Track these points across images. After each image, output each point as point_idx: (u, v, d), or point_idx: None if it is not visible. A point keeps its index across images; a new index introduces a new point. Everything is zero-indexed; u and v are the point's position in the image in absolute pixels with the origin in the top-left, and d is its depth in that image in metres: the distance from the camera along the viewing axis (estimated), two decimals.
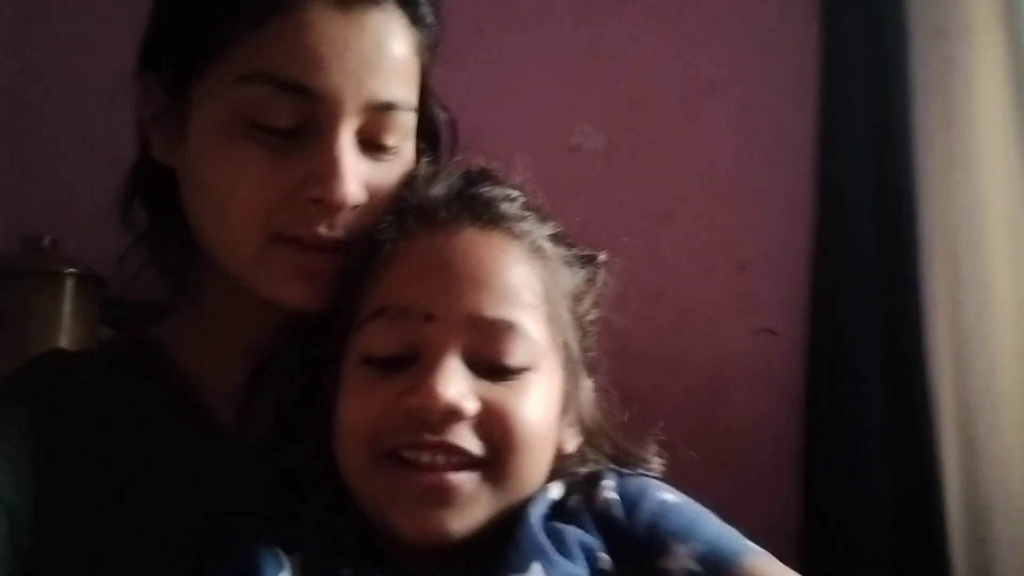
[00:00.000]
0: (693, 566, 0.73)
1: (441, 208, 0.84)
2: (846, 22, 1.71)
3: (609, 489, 0.80)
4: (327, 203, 0.84)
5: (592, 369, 0.91)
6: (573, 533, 0.76)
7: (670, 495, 0.80)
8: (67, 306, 1.56)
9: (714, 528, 0.77)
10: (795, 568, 0.76)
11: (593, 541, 0.76)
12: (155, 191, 0.94)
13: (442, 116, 1.00)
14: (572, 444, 0.87)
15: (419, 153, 0.94)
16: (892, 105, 1.65)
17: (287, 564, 0.77)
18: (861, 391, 1.62)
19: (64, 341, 1.54)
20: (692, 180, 1.86)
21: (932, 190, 1.62)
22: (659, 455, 0.89)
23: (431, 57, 0.94)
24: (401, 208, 0.86)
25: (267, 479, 0.85)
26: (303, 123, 0.84)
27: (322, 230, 0.85)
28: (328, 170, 0.83)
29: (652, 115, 1.88)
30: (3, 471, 0.82)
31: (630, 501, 0.79)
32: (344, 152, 0.84)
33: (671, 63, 1.89)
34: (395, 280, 0.81)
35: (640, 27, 1.90)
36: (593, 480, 0.82)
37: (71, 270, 1.58)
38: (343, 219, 0.85)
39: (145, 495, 0.86)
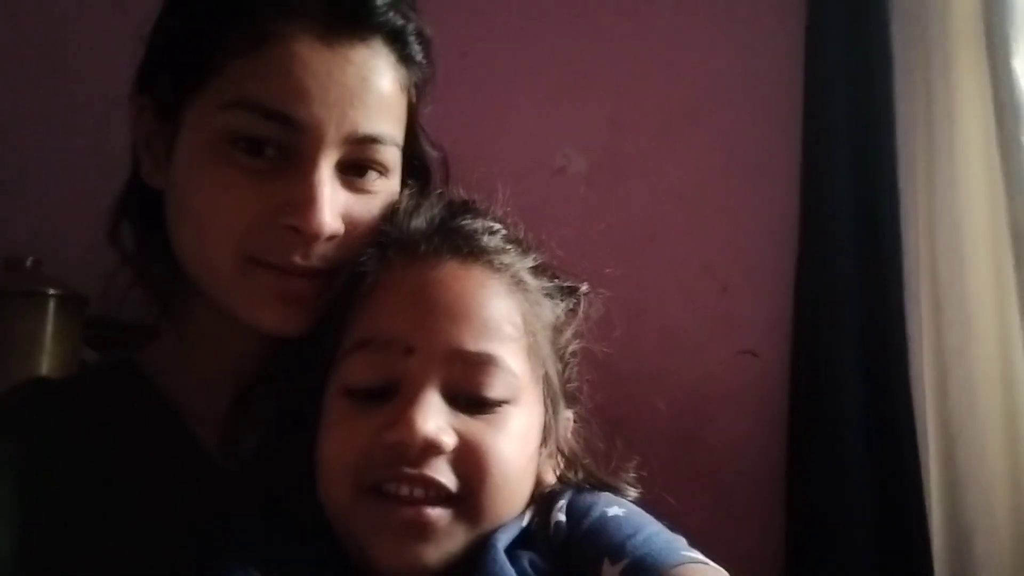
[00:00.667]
0: None
1: (422, 241, 0.85)
2: (830, 49, 1.73)
3: (559, 511, 0.81)
4: (302, 232, 0.84)
5: (573, 399, 0.92)
6: (526, 557, 0.77)
7: (615, 508, 0.81)
8: (49, 327, 1.55)
9: (651, 540, 0.76)
10: None
11: (543, 568, 0.77)
12: (143, 213, 0.95)
13: (433, 154, 1.00)
14: (552, 475, 0.88)
15: (407, 189, 0.94)
16: (875, 130, 1.66)
17: None
18: (843, 412, 1.62)
19: (46, 362, 1.53)
20: (675, 203, 1.86)
21: (914, 214, 1.63)
22: (635, 484, 0.90)
23: (420, 95, 0.95)
24: (382, 240, 0.86)
25: (249, 502, 0.85)
26: (285, 150, 0.85)
27: (297, 259, 0.85)
28: (305, 199, 0.84)
29: (636, 138, 1.90)
30: None
31: (575, 519, 0.79)
32: (322, 183, 0.85)
33: (655, 87, 1.90)
34: (376, 313, 0.82)
35: (624, 52, 1.91)
36: (550, 501, 0.83)
37: (53, 291, 1.58)
38: (319, 249, 0.86)
39: (129, 519, 0.86)
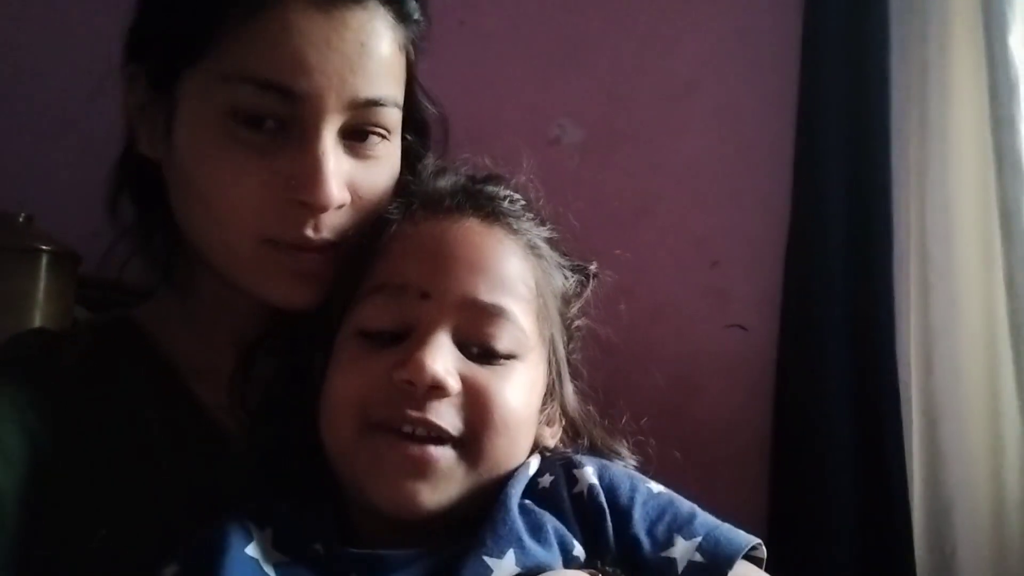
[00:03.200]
0: (697, 557, 0.76)
1: (447, 197, 0.87)
2: (827, 24, 1.73)
3: (591, 475, 0.81)
4: (310, 205, 0.85)
5: (576, 372, 0.93)
6: (550, 521, 0.78)
7: (653, 484, 0.83)
8: (41, 283, 1.55)
9: (709, 520, 0.80)
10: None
11: (567, 532, 0.78)
12: (142, 182, 0.95)
13: (432, 110, 1.00)
14: (552, 440, 0.89)
15: (408, 146, 0.95)
16: (869, 107, 1.67)
17: (256, 536, 0.78)
18: (830, 388, 1.64)
19: (38, 319, 1.52)
20: (669, 176, 1.87)
21: (906, 191, 1.64)
22: (633, 452, 0.92)
23: (417, 51, 0.95)
24: (407, 193, 0.88)
25: (248, 458, 0.87)
26: (286, 122, 0.85)
27: (309, 232, 0.86)
28: (310, 172, 0.84)
29: (631, 111, 1.89)
30: None
31: (622, 493, 0.80)
32: (326, 154, 0.85)
33: (651, 60, 1.90)
34: (396, 260, 0.83)
35: (621, 23, 1.90)
36: (571, 463, 0.83)
37: (46, 247, 1.57)
38: (328, 220, 0.86)
39: (128, 473, 0.86)
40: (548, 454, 0.87)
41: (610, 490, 0.80)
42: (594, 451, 0.90)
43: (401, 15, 0.90)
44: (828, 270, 1.67)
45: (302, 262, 0.87)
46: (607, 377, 0.95)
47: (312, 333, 0.87)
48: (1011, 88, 1.47)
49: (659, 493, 0.82)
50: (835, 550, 1.59)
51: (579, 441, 0.91)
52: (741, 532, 0.79)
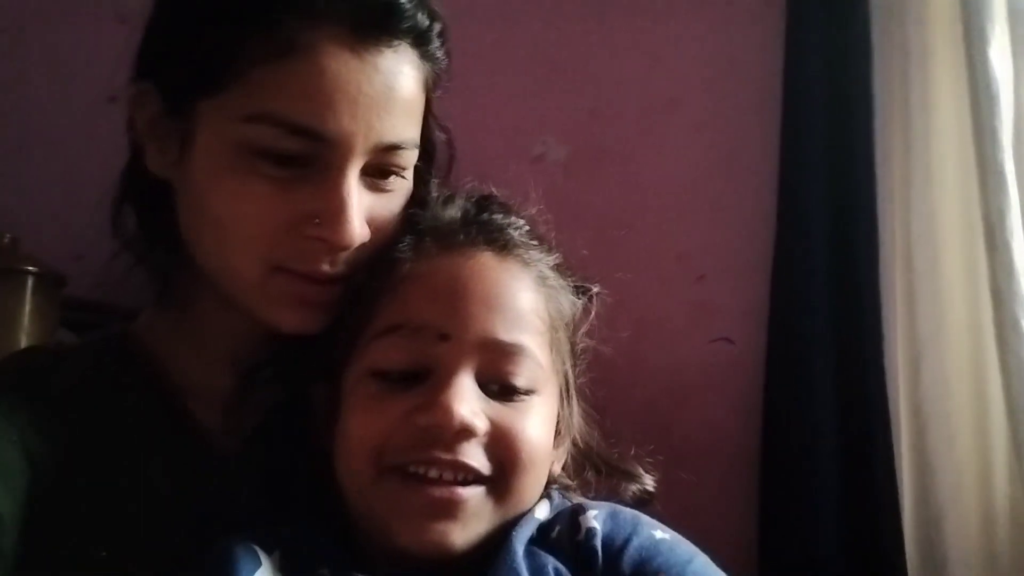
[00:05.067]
0: None
1: (459, 231, 0.86)
2: (810, 39, 1.74)
3: (593, 519, 0.81)
4: (333, 244, 0.85)
5: (581, 395, 0.94)
6: (551, 563, 0.78)
7: (660, 532, 0.81)
8: (27, 305, 1.54)
9: (707, 570, 0.78)
10: (751, 573, 0.78)
11: (566, 573, 0.78)
12: (145, 199, 0.94)
13: (441, 137, 1.00)
14: (558, 466, 0.90)
15: (416, 171, 0.95)
16: (852, 121, 1.68)
17: (265, 562, 0.78)
18: (817, 400, 1.64)
19: (23, 340, 1.52)
20: (653, 192, 1.87)
21: (890, 204, 1.65)
22: (650, 470, 0.92)
23: (435, 86, 0.95)
24: (417, 229, 0.88)
25: (249, 481, 0.86)
26: (311, 160, 0.84)
27: (325, 267, 0.86)
28: (335, 212, 0.84)
29: (615, 127, 1.90)
30: None
31: (620, 535, 0.80)
32: (351, 194, 0.84)
33: (634, 76, 1.91)
34: (411, 299, 0.83)
35: (603, 41, 1.91)
36: (579, 509, 0.83)
37: (31, 269, 1.57)
38: (345, 255, 0.86)
39: (127, 495, 0.86)
40: (557, 494, 0.87)
41: (608, 533, 0.80)
42: (608, 474, 0.90)
43: (426, 53, 0.90)
44: (814, 282, 1.68)
45: (311, 290, 0.87)
46: (594, 392, 0.95)
47: (313, 362, 0.87)
48: (992, 99, 1.48)
49: (660, 539, 0.80)
50: (826, 561, 1.58)
51: (587, 469, 0.91)
52: None
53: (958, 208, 1.59)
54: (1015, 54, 1.54)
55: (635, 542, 0.79)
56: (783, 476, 1.66)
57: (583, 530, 0.80)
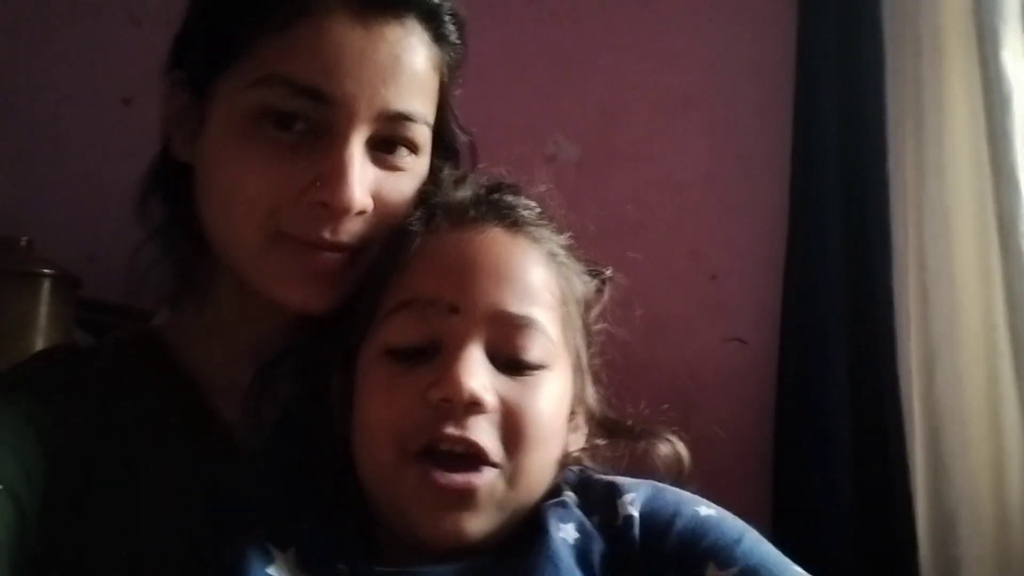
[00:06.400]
0: None
1: (470, 208, 0.86)
2: (821, 38, 1.74)
3: (630, 504, 0.79)
4: (332, 207, 0.85)
5: (596, 379, 0.93)
6: (597, 548, 0.76)
7: (705, 508, 0.79)
8: (42, 307, 1.55)
9: (758, 548, 0.76)
10: None
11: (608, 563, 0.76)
12: (173, 187, 0.95)
13: (463, 137, 1.01)
14: (576, 446, 0.89)
15: (436, 169, 0.95)
16: (865, 120, 1.67)
17: (277, 559, 0.78)
18: (830, 400, 1.64)
19: (39, 342, 1.53)
20: (665, 191, 1.87)
21: (903, 204, 1.65)
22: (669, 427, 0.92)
23: (452, 76, 0.95)
24: (429, 205, 0.88)
25: (271, 476, 0.87)
26: (315, 126, 0.85)
27: (326, 234, 0.86)
28: (335, 174, 0.84)
29: (626, 127, 1.90)
30: (13, 463, 0.82)
31: (660, 517, 0.78)
32: (352, 158, 0.85)
33: (646, 76, 1.91)
34: (421, 274, 0.83)
35: (615, 40, 1.91)
36: (615, 491, 0.81)
37: (47, 271, 1.58)
38: (347, 225, 0.86)
39: (149, 493, 0.86)
40: (583, 473, 0.86)
41: (649, 516, 0.78)
42: (633, 434, 0.90)
43: (438, 35, 0.91)
44: (827, 282, 1.68)
45: (316, 261, 0.87)
46: (604, 391, 0.96)
47: (330, 352, 0.87)
48: (1005, 102, 1.48)
49: (706, 516, 0.78)
50: (840, 562, 1.58)
51: (609, 437, 0.91)
52: (790, 565, 0.76)
53: (971, 208, 1.59)
54: None
55: (678, 524, 0.77)
56: (796, 476, 1.66)
57: (620, 517, 0.78)
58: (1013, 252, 1.46)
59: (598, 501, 0.81)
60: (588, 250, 0.96)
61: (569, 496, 0.81)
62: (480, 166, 0.98)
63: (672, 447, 0.91)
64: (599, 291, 0.95)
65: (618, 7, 1.92)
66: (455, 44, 0.94)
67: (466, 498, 0.76)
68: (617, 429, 0.91)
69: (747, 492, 1.72)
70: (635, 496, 0.80)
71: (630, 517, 0.78)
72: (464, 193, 0.89)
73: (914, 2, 1.65)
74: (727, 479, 1.71)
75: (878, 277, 1.64)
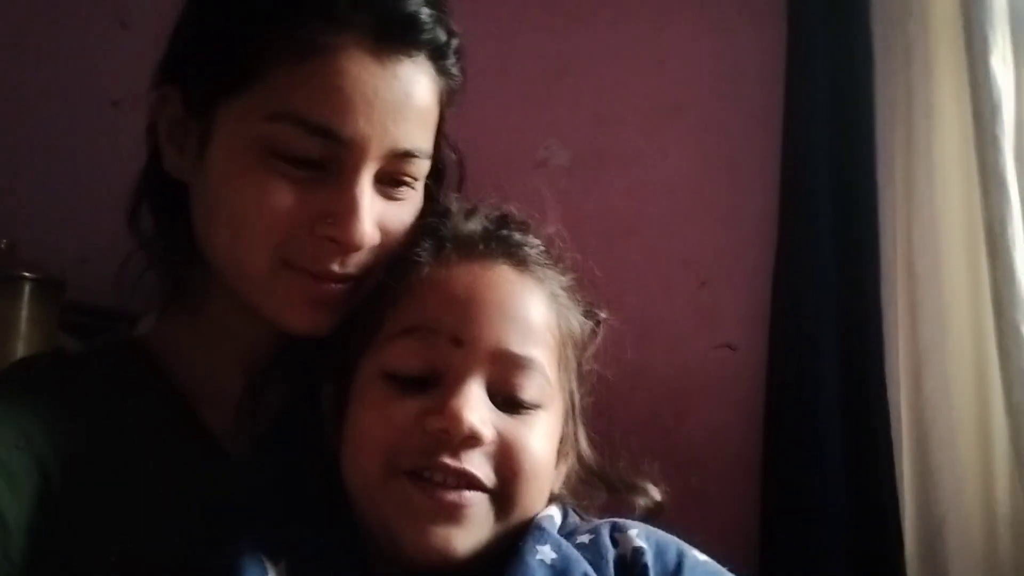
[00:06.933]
0: None
1: (479, 242, 0.88)
2: (812, 45, 1.73)
3: (636, 537, 0.81)
4: (343, 243, 0.86)
5: (586, 419, 0.94)
6: (581, 570, 0.78)
7: (697, 553, 0.83)
8: (24, 311, 1.54)
9: None
10: None
11: None
12: (163, 200, 0.96)
13: (452, 156, 1.03)
14: (558, 484, 0.91)
15: (426, 189, 0.97)
16: (854, 128, 1.67)
17: (271, 571, 0.78)
18: (820, 406, 1.63)
19: (21, 347, 1.52)
20: (655, 196, 1.87)
21: (892, 210, 1.64)
22: (658, 484, 0.93)
23: (448, 103, 0.97)
24: (439, 236, 0.89)
25: (260, 485, 0.86)
26: (326, 161, 0.86)
27: (334, 267, 0.87)
28: (347, 211, 0.86)
29: (617, 132, 1.90)
30: None
31: (670, 557, 0.80)
32: (363, 195, 0.86)
33: (637, 81, 1.90)
34: (427, 303, 0.84)
35: (607, 45, 1.91)
36: (619, 527, 0.83)
37: (29, 275, 1.57)
38: (356, 257, 0.88)
39: (137, 500, 0.87)
40: (570, 510, 0.87)
41: (657, 553, 0.80)
42: (616, 489, 0.91)
43: (442, 68, 0.93)
44: (816, 288, 1.67)
45: (321, 290, 0.88)
46: (595, 397, 0.96)
47: (323, 362, 0.88)
48: (994, 108, 1.47)
49: (705, 561, 0.81)
50: (827, 568, 1.58)
51: (595, 484, 0.92)
52: None
53: (960, 215, 1.59)
54: (1017, 62, 1.54)
55: (687, 565, 0.79)
56: (785, 482, 1.66)
57: (629, 549, 0.80)
58: (1002, 258, 1.46)
59: (595, 526, 0.83)
60: (579, 253, 0.96)
61: (552, 514, 0.82)
62: (489, 196, 0.98)
63: (650, 499, 0.92)
64: (594, 332, 0.96)
65: (610, 13, 1.92)
66: (455, 76, 0.96)
67: (456, 513, 0.76)
68: (600, 478, 0.93)
69: (736, 498, 1.72)
70: (638, 532, 0.82)
71: (640, 548, 0.80)
72: (474, 226, 0.91)
73: (903, 8, 1.64)
74: (717, 484, 1.72)
75: (867, 283, 1.63)
